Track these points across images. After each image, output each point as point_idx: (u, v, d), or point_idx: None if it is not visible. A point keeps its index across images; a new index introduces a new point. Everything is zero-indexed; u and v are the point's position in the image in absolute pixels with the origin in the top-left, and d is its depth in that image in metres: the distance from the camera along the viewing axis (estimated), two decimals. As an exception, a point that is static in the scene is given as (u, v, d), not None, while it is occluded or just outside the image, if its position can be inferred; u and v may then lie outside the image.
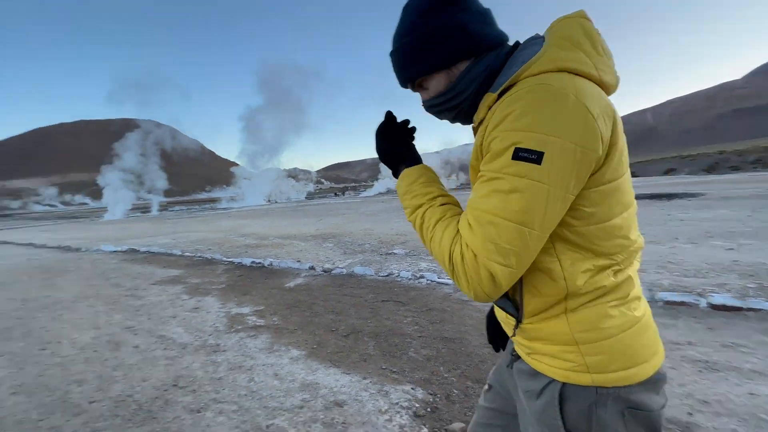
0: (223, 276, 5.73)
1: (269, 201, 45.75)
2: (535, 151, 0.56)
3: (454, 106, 0.75)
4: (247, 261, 6.61)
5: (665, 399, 0.69)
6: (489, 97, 0.67)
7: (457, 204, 0.74)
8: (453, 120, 0.79)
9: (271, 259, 6.52)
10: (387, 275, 5.04)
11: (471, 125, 0.77)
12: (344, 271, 5.45)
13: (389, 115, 0.83)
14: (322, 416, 2.09)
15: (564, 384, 0.68)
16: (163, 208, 44.28)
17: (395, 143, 0.82)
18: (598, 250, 0.64)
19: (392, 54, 0.77)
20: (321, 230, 11.05)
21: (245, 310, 4.01)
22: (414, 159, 0.81)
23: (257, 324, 3.57)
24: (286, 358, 2.84)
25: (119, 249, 9.66)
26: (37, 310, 4.48)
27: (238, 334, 3.36)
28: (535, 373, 0.73)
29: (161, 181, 53.62)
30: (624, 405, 0.64)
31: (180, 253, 8.29)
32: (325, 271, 5.53)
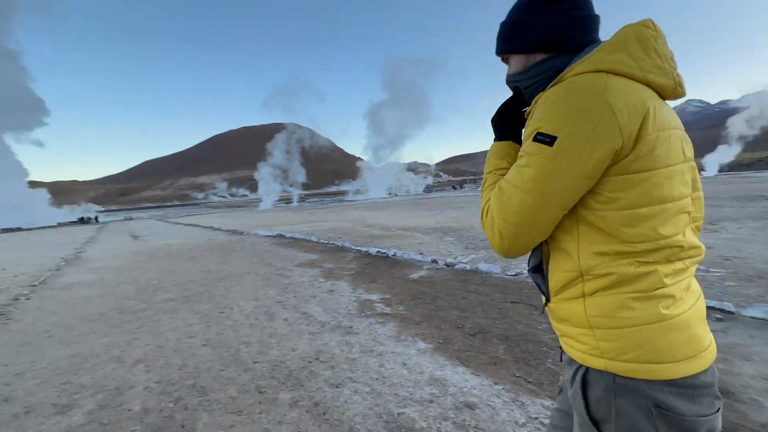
0: (352, 263, 6.20)
1: (390, 193, 47.97)
2: (550, 135, 0.66)
3: (524, 88, 0.86)
4: (373, 250, 7.02)
5: (710, 409, 0.65)
6: (542, 95, 0.74)
7: None
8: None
9: (395, 250, 6.77)
10: (515, 275, 4.68)
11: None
12: (467, 266, 5.29)
13: (516, 92, 0.89)
14: (452, 415, 2.03)
15: (587, 369, 0.71)
16: (302, 199, 50.74)
17: (501, 118, 0.90)
18: (619, 236, 0.67)
19: (499, 27, 0.88)
20: (441, 223, 11.02)
21: (373, 297, 4.24)
22: (504, 136, 0.88)
23: (384, 312, 3.73)
24: (414, 349, 2.88)
25: (270, 234, 11.43)
26: (216, 280, 5.61)
27: (368, 319, 3.56)
28: (570, 361, 0.77)
29: (301, 176, 61.64)
30: (650, 402, 0.64)
31: (316, 240, 9.33)
32: (447, 265, 5.46)
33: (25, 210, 42.94)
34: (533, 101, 0.77)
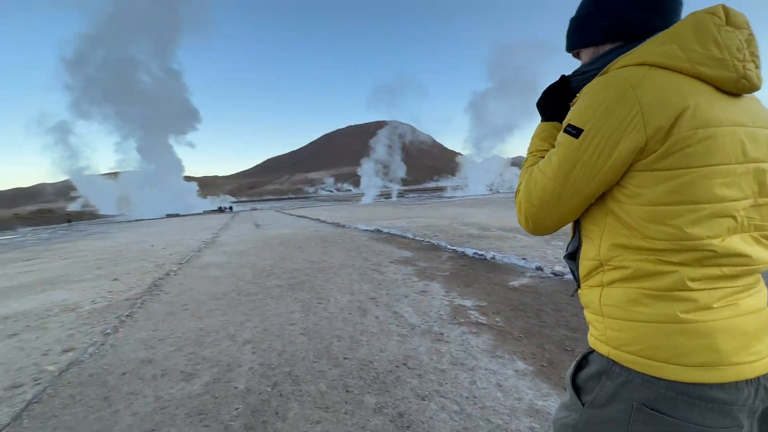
0: (447, 263, 5.99)
1: (491, 190, 45.72)
2: (577, 127, 0.68)
3: (583, 80, 0.83)
4: (469, 251, 6.68)
5: (714, 423, 0.61)
6: (586, 86, 0.73)
7: None
8: None
9: (494, 253, 6.32)
10: (643, 292, 3.90)
11: None
12: (580, 277, 4.61)
13: (562, 79, 0.90)
14: (556, 460, 1.71)
15: (592, 351, 0.75)
16: (401, 195, 51.87)
17: (547, 100, 0.90)
18: (642, 232, 0.66)
19: (568, 23, 0.86)
20: (548, 225, 9.97)
21: (467, 303, 3.99)
22: (548, 117, 0.90)
23: (479, 321, 3.46)
24: (511, 369, 2.57)
25: (369, 228, 11.87)
26: (318, 270, 6.01)
27: (461, 327, 3.34)
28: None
29: (401, 171, 63.11)
30: (638, 396, 0.65)
31: (412, 236, 9.33)
32: (555, 274, 4.86)
33: (181, 199, 53.21)
34: (579, 92, 0.75)
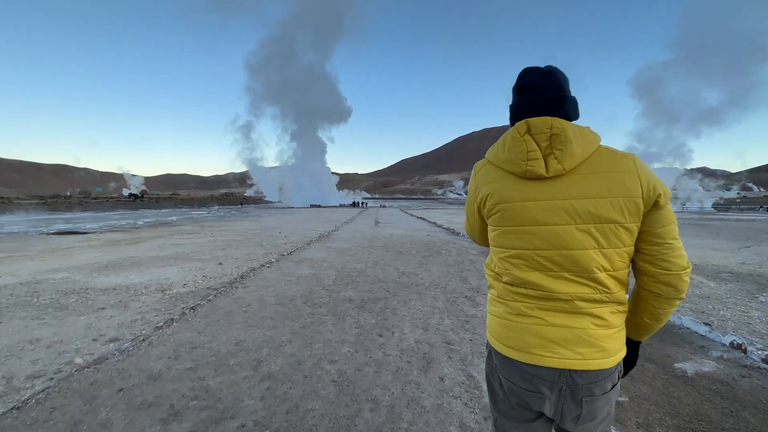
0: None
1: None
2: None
3: None
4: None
5: (525, 387, 0.96)
6: None
7: None
8: None
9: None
10: None
11: None
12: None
13: None
14: None
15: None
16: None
17: None
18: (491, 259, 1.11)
19: (567, 98, 0.98)
20: (750, 265, 6.81)
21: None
22: None
23: (610, 434, 2.02)
24: None
25: (483, 240, 10.41)
26: (402, 287, 5.13)
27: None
28: None
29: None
30: (494, 361, 1.04)
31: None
32: (766, 362, 2.83)
33: (322, 192, 59.73)
34: None
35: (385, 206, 54.74)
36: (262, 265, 6.44)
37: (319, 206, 51.70)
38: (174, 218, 24.07)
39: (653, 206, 0.88)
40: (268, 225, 17.01)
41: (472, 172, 1.10)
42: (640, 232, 0.90)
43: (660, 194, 0.87)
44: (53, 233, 14.18)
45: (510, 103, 1.03)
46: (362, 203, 58.90)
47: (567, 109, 0.94)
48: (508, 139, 0.96)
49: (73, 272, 5.90)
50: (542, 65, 0.99)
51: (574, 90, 1.00)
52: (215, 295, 4.47)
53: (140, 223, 20.53)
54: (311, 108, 70.80)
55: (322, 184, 65.67)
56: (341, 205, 55.19)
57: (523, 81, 0.98)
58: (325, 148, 72.71)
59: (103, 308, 4.02)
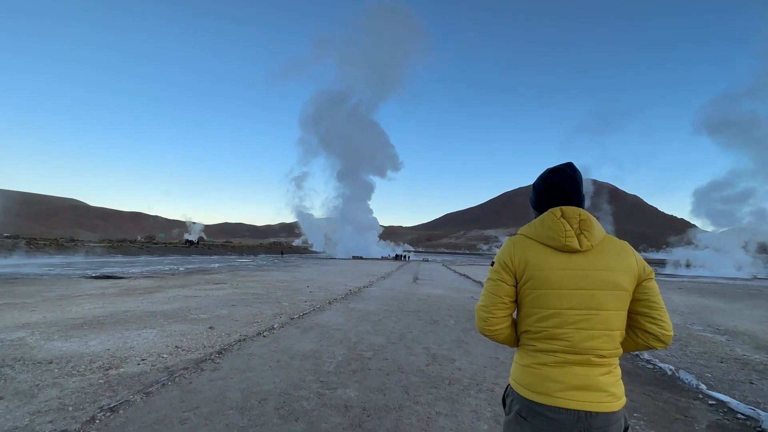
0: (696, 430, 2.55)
1: (753, 275, 31.64)
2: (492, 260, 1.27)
3: None
4: (747, 409, 2.90)
5: (542, 425, 1.09)
6: None
7: None
8: None
9: None
10: None
11: None
12: None
13: None
14: None
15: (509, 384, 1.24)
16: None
17: None
18: (522, 321, 1.25)
19: (580, 191, 1.26)
20: None
21: None
22: None
23: None
24: None
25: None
26: (430, 383, 3.59)
27: None
28: None
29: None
30: (518, 408, 1.15)
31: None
32: None
33: (364, 244, 59.22)
34: None
35: (427, 260, 52.66)
36: (260, 333, 5.19)
37: (362, 258, 50.87)
38: (216, 265, 24.15)
39: (646, 279, 1.16)
40: (300, 277, 16.08)
41: (509, 244, 1.22)
42: (641, 300, 1.15)
43: (650, 271, 1.18)
44: (90, 277, 14.26)
45: (534, 187, 1.33)
46: (404, 256, 57.29)
47: (584, 204, 1.25)
48: (547, 220, 1.19)
49: (36, 331, 5.02)
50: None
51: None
52: (164, 384, 3.22)
53: (181, 269, 20.64)
54: (358, 151, 73.24)
55: (366, 231, 65.44)
56: (383, 258, 53.98)
57: (553, 179, 1.25)
58: (371, 190, 73.56)
59: (1, 398, 2.93)
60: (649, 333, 1.15)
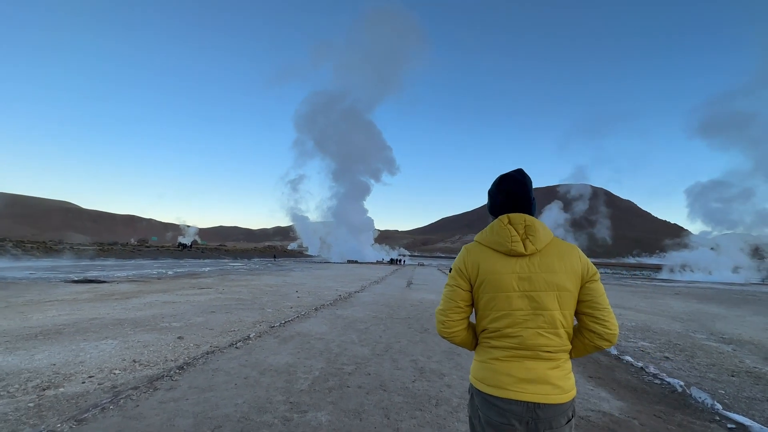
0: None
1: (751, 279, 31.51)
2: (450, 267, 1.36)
3: None
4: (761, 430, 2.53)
5: (497, 417, 1.18)
6: None
7: None
8: None
9: None
10: None
11: None
12: None
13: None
14: None
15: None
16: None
17: None
18: (479, 321, 1.34)
19: (532, 199, 1.34)
20: None
21: None
22: None
23: None
24: None
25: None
26: (416, 403, 3.17)
27: None
28: None
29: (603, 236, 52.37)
30: (476, 401, 1.24)
31: (616, 353, 5.27)
32: None
33: (359, 248, 58.65)
34: None
35: (423, 264, 52.16)
36: (233, 344, 4.75)
37: (356, 262, 50.23)
38: (206, 269, 23.56)
39: (590, 281, 1.22)
40: (291, 281, 15.60)
41: (464, 251, 1.31)
42: (585, 300, 1.22)
43: (594, 272, 1.24)
44: (71, 281, 13.69)
45: (488, 193, 1.41)
46: (400, 260, 56.73)
47: (532, 209, 1.32)
48: (495, 227, 1.27)
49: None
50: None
51: None
52: (104, 408, 2.77)
53: (170, 273, 20.05)
54: (353, 150, 72.25)
55: (361, 232, 64.72)
56: (378, 262, 53.39)
57: (503, 186, 1.33)
58: (367, 190, 72.58)
59: None
60: (594, 332, 1.21)
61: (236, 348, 4.58)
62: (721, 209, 46.41)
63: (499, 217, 1.29)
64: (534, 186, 1.34)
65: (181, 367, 3.74)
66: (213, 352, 4.35)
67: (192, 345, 4.65)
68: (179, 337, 5.00)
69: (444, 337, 1.31)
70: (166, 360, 4.01)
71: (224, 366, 3.88)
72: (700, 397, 3.49)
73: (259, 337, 5.25)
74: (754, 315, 10.75)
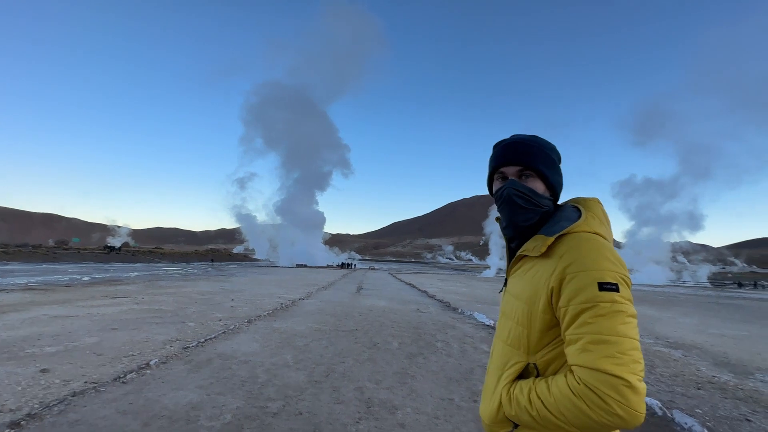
0: None
1: (673, 282, 34.77)
2: (612, 283, 0.76)
3: (530, 209, 0.91)
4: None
5: None
6: (547, 239, 0.85)
7: None
8: (510, 221, 0.96)
9: None
10: None
11: (510, 245, 1.01)
12: None
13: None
14: None
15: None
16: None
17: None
18: None
19: (530, 141, 0.96)
20: None
21: None
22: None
23: None
24: None
25: (489, 323, 7.65)
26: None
27: None
28: None
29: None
30: None
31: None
32: None
33: (309, 251, 56.63)
34: (538, 244, 0.87)
35: (374, 269, 51.57)
36: (119, 377, 3.58)
37: (305, 266, 48.27)
38: (134, 275, 20.82)
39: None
40: (230, 288, 14.03)
41: (615, 252, 0.85)
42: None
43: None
44: (-59, 290, 11.06)
45: (557, 163, 1.02)
46: (350, 264, 55.61)
47: None
48: (604, 213, 0.98)
49: None
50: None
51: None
52: None
53: (84, 279, 17.33)
54: (304, 140, 69.57)
55: (311, 229, 62.53)
56: (329, 266, 51.83)
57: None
58: (320, 181, 70.02)
59: None
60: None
61: (123, 383, 3.43)
62: (645, 204, 51.16)
63: (595, 198, 0.99)
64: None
65: (16, 423, 2.57)
66: (84, 392, 3.17)
67: (57, 381, 3.41)
68: (43, 370, 3.68)
69: (639, 424, 0.68)
70: (1, 409, 2.79)
71: (92, 415, 2.76)
72: (686, 423, 3.06)
73: (164, 363, 4.11)
74: (683, 316, 11.36)
